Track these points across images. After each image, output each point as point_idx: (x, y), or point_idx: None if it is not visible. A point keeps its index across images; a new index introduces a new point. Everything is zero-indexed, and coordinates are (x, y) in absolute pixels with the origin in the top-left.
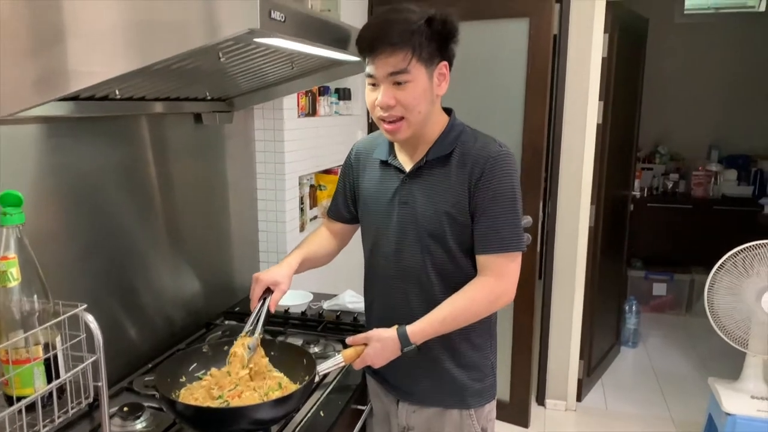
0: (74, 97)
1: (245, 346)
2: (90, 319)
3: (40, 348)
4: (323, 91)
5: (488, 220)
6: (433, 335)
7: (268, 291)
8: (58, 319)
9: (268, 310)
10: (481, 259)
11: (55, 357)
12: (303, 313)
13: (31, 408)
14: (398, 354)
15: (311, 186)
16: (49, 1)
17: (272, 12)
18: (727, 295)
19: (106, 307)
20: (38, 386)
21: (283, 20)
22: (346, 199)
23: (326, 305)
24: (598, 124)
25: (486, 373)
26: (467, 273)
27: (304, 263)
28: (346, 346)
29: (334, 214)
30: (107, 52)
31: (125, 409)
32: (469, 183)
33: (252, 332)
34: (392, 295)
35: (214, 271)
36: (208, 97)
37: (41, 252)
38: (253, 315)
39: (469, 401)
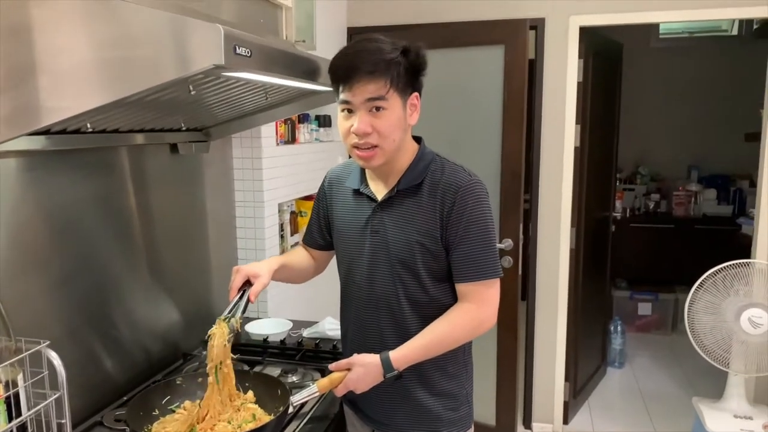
0: (46, 131)
1: (224, 328)
2: (53, 355)
3: (1, 386)
4: (303, 118)
5: (464, 250)
6: (416, 361)
7: (248, 284)
8: (20, 356)
9: (248, 301)
10: (460, 288)
11: (17, 395)
12: (282, 341)
13: None
14: (381, 379)
15: (292, 212)
16: (19, 39)
17: (237, 47)
18: (708, 314)
19: (82, 339)
20: None
21: (248, 55)
22: (321, 226)
23: (306, 333)
24: (575, 147)
25: (461, 401)
26: (439, 302)
27: (283, 269)
28: (324, 375)
29: (309, 241)
30: (76, 87)
31: None
32: (441, 213)
33: (230, 318)
34: (365, 324)
35: (192, 301)
36: (183, 128)
37: (13, 286)
38: (232, 304)
39: (444, 431)
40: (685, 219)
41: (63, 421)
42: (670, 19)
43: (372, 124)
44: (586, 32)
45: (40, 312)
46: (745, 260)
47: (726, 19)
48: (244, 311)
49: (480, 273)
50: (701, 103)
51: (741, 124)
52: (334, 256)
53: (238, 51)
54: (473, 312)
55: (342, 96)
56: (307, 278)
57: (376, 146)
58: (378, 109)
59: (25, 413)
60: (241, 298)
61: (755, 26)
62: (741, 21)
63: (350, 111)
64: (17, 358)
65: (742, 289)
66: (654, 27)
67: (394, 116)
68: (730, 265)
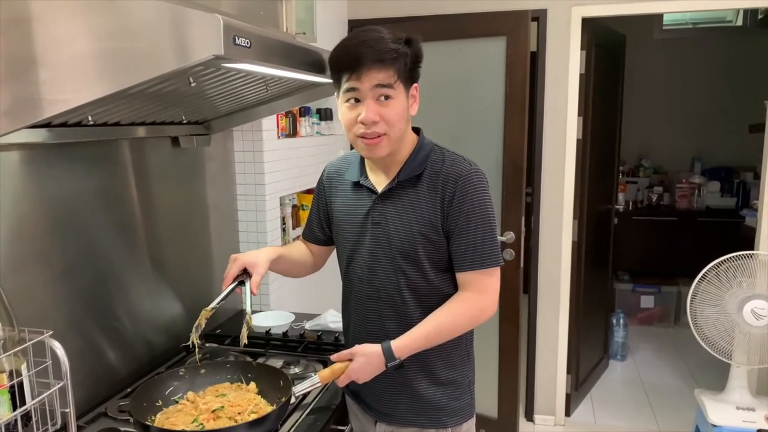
0: (47, 124)
1: (206, 318)
2: (56, 345)
3: (5, 376)
4: (304, 111)
5: (465, 239)
6: (417, 350)
7: (245, 274)
8: (23, 346)
9: (251, 293)
10: (461, 277)
11: (21, 384)
12: (284, 333)
13: None
14: (383, 369)
15: (293, 206)
16: (18, 32)
17: (237, 38)
18: (710, 306)
19: (85, 331)
20: (2, 414)
21: (248, 46)
22: (320, 221)
23: (308, 325)
24: (577, 140)
25: (463, 390)
26: (441, 292)
27: (281, 260)
28: (326, 367)
29: (309, 236)
30: (76, 79)
31: None
32: (442, 202)
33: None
34: (367, 316)
35: (194, 293)
36: (184, 121)
37: (16, 278)
38: (223, 294)
39: (446, 420)
40: (688, 211)
41: (67, 410)
42: (675, 9)
43: (379, 112)
44: (588, 23)
45: (43, 304)
46: (748, 252)
47: (731, 8)
48: (251, 304)
49: (480, 262)
50: (705, 95)
51: (745, 115)
52: (333, 252)
53: (237, 41)
54: (474, 301)
55: (348, 84)
56: (305, 273)
57: (383, 135)
58: (386, 97)
59: (30, 402)
60: (236, 287)
61: (760, 16)
62: (746, 11)
63: (356, 100)
64: (21, 347)
65: (745, 280)
66: (657, 18)
67: (400, 105)
68: (734, 256)
